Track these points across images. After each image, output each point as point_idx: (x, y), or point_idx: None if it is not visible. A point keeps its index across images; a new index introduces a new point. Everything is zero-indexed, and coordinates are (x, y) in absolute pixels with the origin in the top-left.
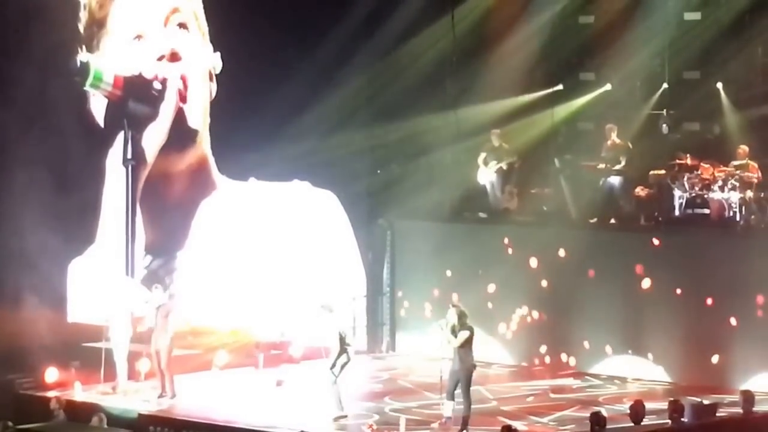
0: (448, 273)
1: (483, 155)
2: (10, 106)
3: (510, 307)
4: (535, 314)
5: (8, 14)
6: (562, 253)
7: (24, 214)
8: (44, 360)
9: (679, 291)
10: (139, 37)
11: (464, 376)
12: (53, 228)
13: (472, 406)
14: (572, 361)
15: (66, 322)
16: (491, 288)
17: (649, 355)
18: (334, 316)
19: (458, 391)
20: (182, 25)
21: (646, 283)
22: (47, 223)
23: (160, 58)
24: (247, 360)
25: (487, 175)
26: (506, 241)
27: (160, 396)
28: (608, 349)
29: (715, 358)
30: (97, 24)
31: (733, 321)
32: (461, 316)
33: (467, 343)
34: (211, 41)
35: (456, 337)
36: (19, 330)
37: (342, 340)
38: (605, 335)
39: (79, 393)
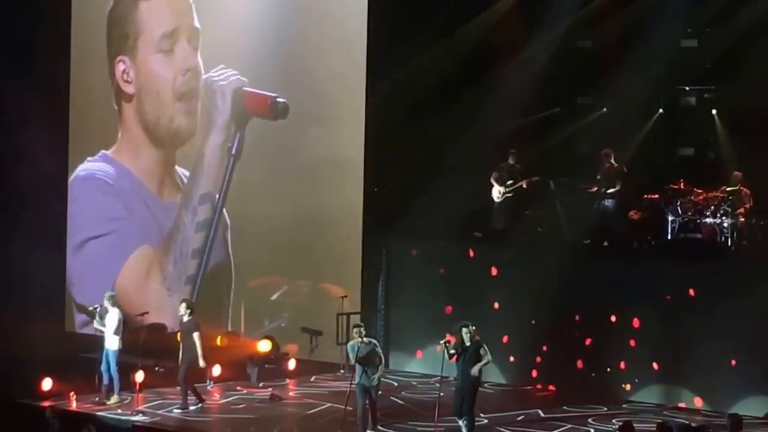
0: (443, 292)
1: (496, 174)
2: None
3: (504, 327)
4: (529, 335)
5: None
6: (556, 274)
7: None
8: (41, 369)
9: (666, 315)
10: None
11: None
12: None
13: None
14: (565, 381)
15: (64, 332)
16: (487, 308)
17: (640, 376)
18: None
19: None
20: None
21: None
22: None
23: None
24: (241, 373)
25: (498, 193)
26: (501, 261)
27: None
28: (600, 369)
29: (700, 381)
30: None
31: (722, 344)
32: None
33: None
34: None
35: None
36: (17, 339)
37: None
38: (599, 356)
39: (74, 403)
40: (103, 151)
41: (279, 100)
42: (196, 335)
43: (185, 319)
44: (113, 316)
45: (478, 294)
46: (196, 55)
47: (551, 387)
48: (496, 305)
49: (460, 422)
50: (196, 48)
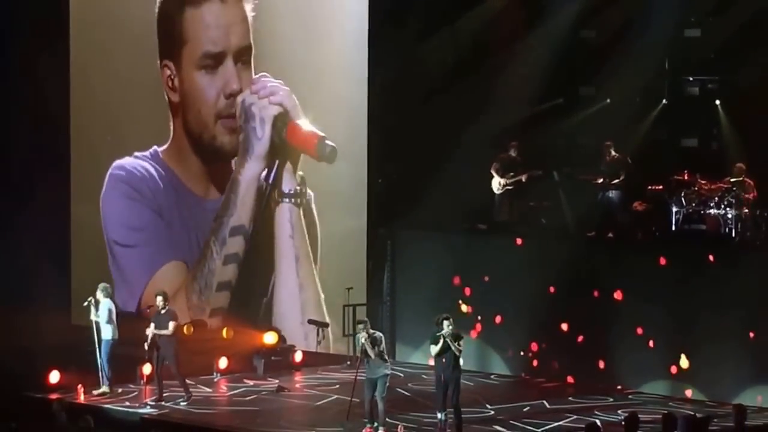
0: (448, 283)
1: (496, 165)
2: None
3: (508, 318)
4: (533, 326)
5: None
6: (561, 265)
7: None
8: (49, 362)
9: (671, 304)
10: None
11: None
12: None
13: (466, 416)
14: (571, 373)
15: (71, 324)
16: (491, 298)
17: (644, 368)
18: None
19: None
20: None
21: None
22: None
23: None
24: (248, 365)
25: (498, 185)
26: (506, 252)
27: (157, 400)
28: (603, 361)
29: (705, 372)
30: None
31: (726, 335)
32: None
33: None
34: None
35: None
36: (24, 332)
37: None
38: (603, 347)
39: (82, 396)
40: (155, 147)
41: (327, 142)
42: (171, 324)
43: (162, 312)
44: (105, 307)
45: (482, 285)
46: (247, 75)
47: (555, 378)
48: (499, 290)
49: (440, 415)
50: (246, 64)
